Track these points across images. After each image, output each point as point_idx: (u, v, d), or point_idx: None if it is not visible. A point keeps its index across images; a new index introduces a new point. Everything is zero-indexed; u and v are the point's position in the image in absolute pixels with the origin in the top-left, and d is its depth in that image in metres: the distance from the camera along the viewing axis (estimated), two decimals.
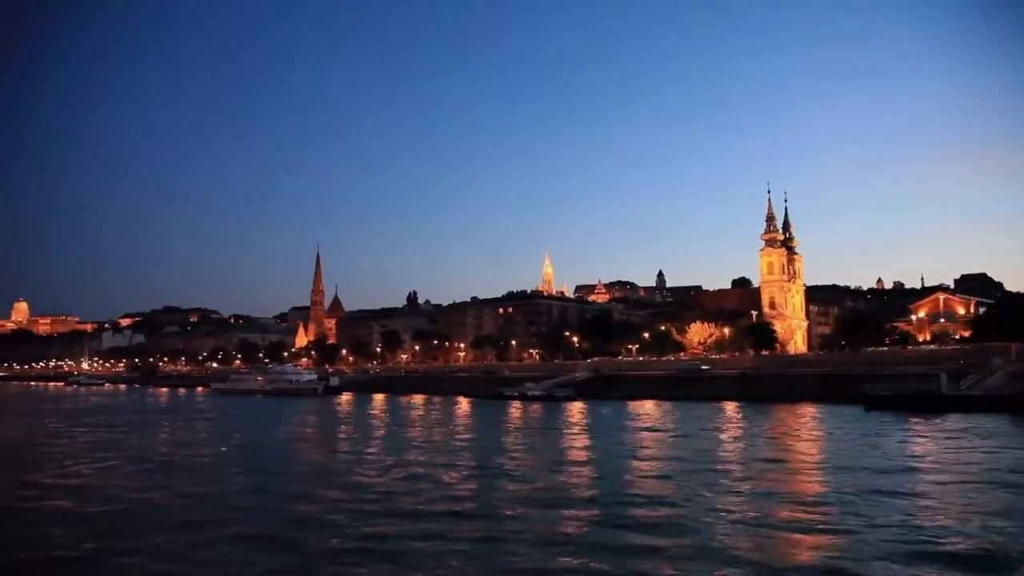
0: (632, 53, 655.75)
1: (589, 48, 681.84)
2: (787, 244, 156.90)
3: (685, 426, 50.67)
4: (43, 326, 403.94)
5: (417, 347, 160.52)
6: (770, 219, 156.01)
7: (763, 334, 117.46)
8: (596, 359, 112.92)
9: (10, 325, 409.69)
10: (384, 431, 51.48)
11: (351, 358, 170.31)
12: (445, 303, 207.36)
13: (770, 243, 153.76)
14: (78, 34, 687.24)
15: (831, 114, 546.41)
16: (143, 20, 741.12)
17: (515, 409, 72.94)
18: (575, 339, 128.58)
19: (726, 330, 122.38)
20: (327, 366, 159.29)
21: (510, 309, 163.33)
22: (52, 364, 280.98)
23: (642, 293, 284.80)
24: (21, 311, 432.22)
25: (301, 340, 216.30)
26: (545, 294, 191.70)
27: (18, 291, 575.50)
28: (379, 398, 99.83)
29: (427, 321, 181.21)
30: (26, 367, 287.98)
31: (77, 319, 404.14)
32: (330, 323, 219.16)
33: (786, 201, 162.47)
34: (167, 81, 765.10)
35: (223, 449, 39.38)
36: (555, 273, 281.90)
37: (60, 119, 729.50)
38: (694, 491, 24.29)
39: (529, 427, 54.26)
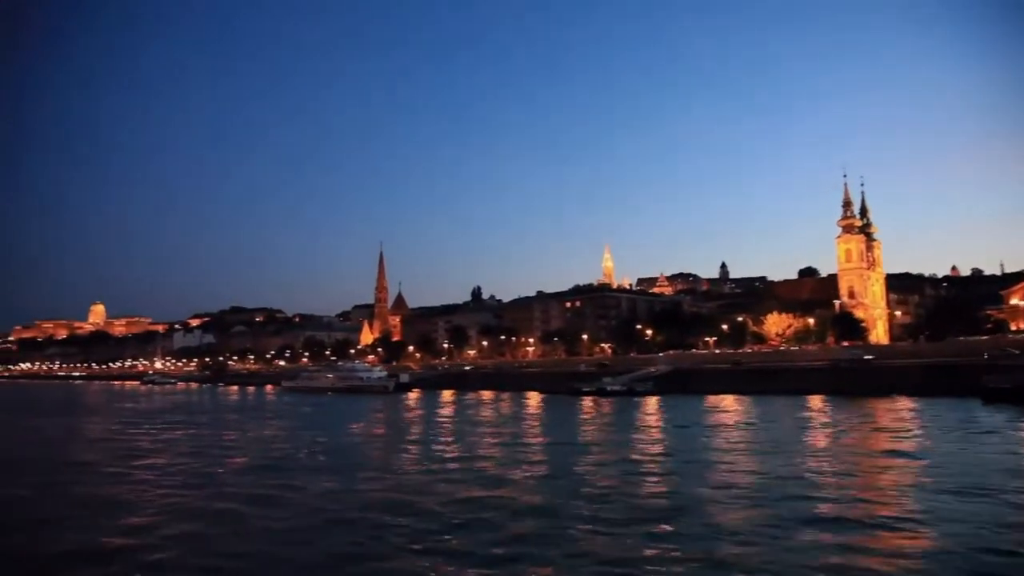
0: (693, 44, 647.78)
1: (650, 39, 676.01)
2: (865, 230, 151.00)
3: (783, 423, 48.54)
4: (118, 327, 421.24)
5: (485, 343, 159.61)
6: (847, 205, 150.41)
7: (847, 324, 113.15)
8: (671, 352, 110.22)
9: (88, 327, 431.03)
10: (480, 429, 49.09)
11: (418, 355, 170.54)
12: (507, 298, 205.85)
13: (847, 229, 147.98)
14: (137, 39, 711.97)
15: (890, 101, 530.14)
16: (203, 22, 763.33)
17: (590, 404, 71.45)
18: (648, 332, 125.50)
19: (810, 320, 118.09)
20: (393, 363, 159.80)
21: (577, 303, 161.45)
22: (128, 364, 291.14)
23: (705, 286, 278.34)
24: (98, 313, 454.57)
25: (366, 338, 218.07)
26: (613, 287, 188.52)
27: (95, 294, 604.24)
28: (447, 395, 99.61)
29: (492, 316, 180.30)
30: (104, 367, 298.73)
31: (149, 320, 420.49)
32: (394, 320, 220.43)
33: (863, 186, 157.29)
34: (235, 86, 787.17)
35: (308, 451, 37.55)
36: (615, 267, 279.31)
37: (133, 130, 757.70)
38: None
39: (628, 423, 52.21)
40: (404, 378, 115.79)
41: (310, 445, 39.70)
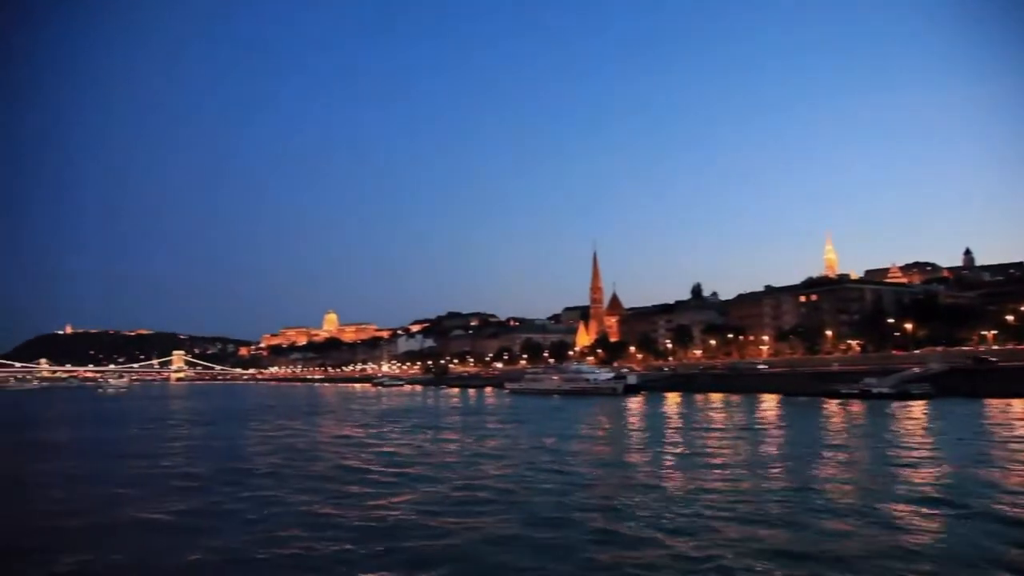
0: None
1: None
2: None
3: None
4: (348, 334, 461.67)
5: (713, 341, 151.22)
6: None
7: None
8: (938, 348, 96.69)
9: (324, 333, 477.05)
10: (768, 440, 42.15)
11: (639, 355, 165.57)
12: (727, 294, 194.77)
13: None
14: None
15: None
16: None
17: (855, 409, 63.76)
18: (908, 326, 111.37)
19: None
20: (614, 364, 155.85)
21: (813, 296, 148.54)
22: (358, 367, 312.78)
23: (945, 274, 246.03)
24: (332, 321, 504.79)
25: (582, 339, 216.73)
26: (852, 278, 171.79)
27: (329, 304, 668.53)
28: (672, 397, 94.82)
29: (716, 314, 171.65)
30: (338, 370, 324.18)
31: (375, 327, 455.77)
32: (610, 321, 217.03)
33: None
34: (453, 90, 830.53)
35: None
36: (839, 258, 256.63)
37: (363, 151, 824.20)
38: None
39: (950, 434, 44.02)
40: (631, 380, 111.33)
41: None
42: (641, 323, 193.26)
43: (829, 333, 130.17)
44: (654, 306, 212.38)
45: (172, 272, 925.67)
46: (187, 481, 28.16)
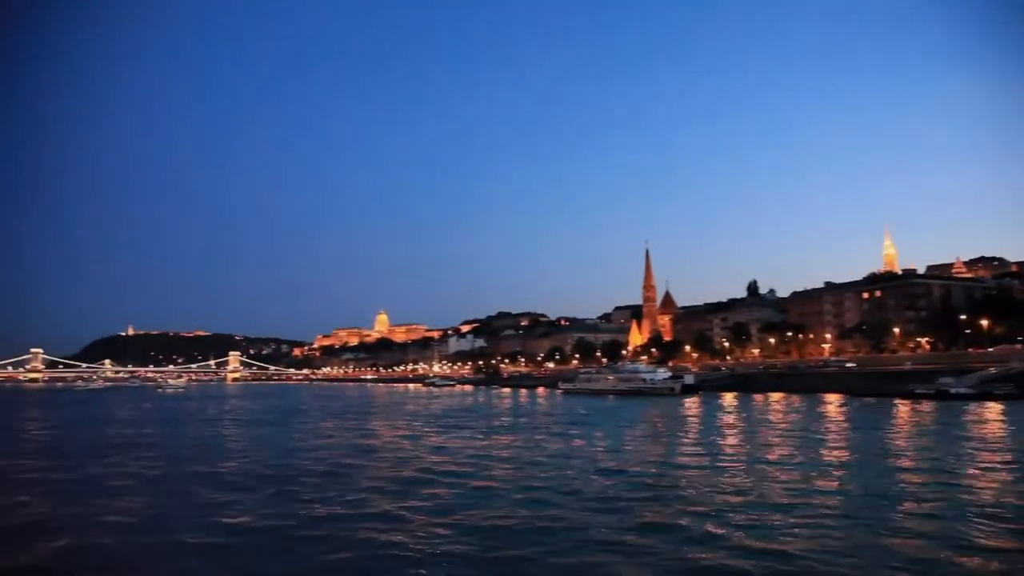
0: None
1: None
2: None
3: None
4: (399, 334, 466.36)
5: (772, 340, 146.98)
6: None
7: None
8: (1019, 346, 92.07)
9: (375, 334, 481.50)
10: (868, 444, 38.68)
11: (694, 355, 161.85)
12: (783, 291, 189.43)
13: None
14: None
15: None
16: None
17: (926, 409, 61.16)
18: (983, 323, 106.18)
19: None
20: (669, 363, 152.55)
21: (877, 293, 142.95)
22: (409, 367, 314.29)
23: (1014, 268, 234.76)
24: (383, 322, 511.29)
25: (635, 338, 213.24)
26: (919, 273, 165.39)
27: (380, 304, 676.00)
28: (731, 397, 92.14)
29: (773, 311, 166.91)
30: (389, 370, 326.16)
31: (425, 327, 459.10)
32: (663, 320, 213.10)
33: None
34: (508, 95, 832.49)
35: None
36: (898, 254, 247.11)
37: (417, 159, 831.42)
38: None
39: None
40: (689, 379, 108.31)
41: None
42: (696, 322, 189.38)
43: (896, 331, 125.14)
44: (708, 304, 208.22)
45: (228, 275, 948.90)
46: (267, 483, 27.32)
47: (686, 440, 41.68)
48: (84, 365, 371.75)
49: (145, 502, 23.28)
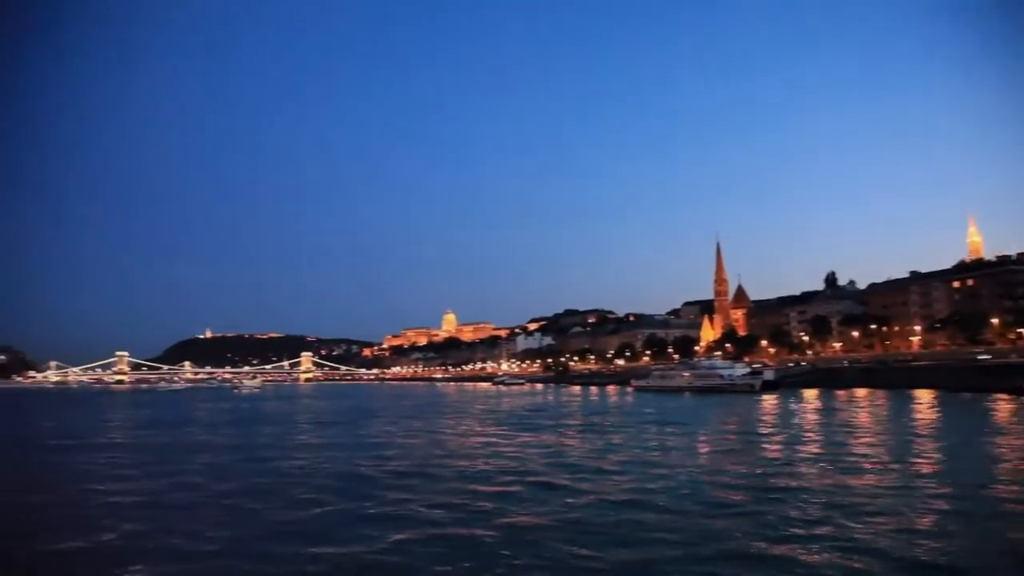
0: None
1: None
2: None
3: None
4: (467, 333, 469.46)
5: (855, 333, 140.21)
6: None
7: None
8: None
9: (442, 333, 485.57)
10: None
11: (771, 350, 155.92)
12: (863, 282, 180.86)
13: None
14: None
15: None
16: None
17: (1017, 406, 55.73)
18: None
19: None
20: (744, 359, 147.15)
21: (969, 282, 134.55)
22: (478, 366, 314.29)
23: None
24: (450, 321, 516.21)
25: (707, 334, 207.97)
26: (1013, 259, 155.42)
27: (447, 304, 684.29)
28: (812, 394, 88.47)
29: (853, 303, 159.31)
30: (458, 369, 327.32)
31: (493, 326, 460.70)
32: (736, 314, 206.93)
33: None
34: (569, 90, 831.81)
35: None
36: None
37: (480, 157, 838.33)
38: None
39: None
40: (768, 376, 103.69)
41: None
42: (771, 315, 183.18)
43: (995, 321, 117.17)
44: (782, 297, 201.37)
45: (300, 277, 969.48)
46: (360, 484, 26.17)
47: (790, 439, 38.62)
48: (165, 367, 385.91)
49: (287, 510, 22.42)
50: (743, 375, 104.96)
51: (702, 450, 35.91)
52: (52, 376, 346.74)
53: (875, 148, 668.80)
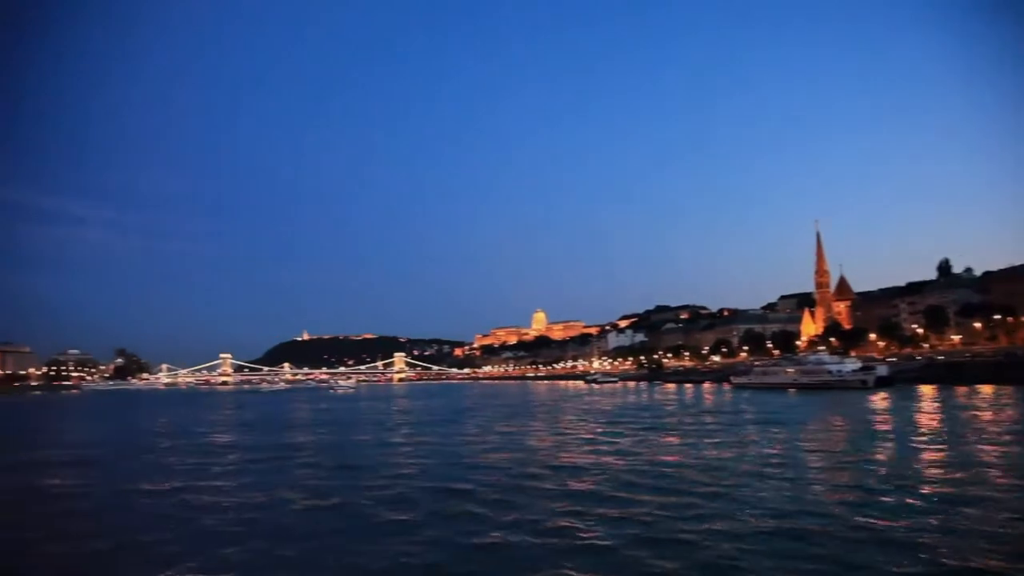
0: None
1: None
2: None
3: None
4: (557, 331, 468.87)
5: (977, 324, 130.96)
6: None
7: None
8: None
9: (532, 332, 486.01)
10: None
11: (880, 343, 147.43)
12: (979, 269, 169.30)
13: None
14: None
15: None
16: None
17: None
18: None
19: None
20: (851, 354, 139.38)
21: None
22: (569, 364, 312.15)
23: None
24: (540, 320, 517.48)
25: (808, 328, 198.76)
26: None
27: (536, 303, 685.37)
28: (928, 390, 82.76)
29: (971, 292, 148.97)
30: (549, 368, 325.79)
31: (583, 324, 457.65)
32: (839, 307, 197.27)
33: None
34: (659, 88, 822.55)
35: None
36: None
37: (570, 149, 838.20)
38: None
39: None
40: (882, 371, 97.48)
41: None
42: (878, 307, 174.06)
43: None
44: (888, 288, 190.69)
45: (392, 279, 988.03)
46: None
47: (936, 441, 34.90)
48: (266, 368, 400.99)
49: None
50: (854, 371, 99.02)
51: (839, 454, 32.66)
52: (163, 378, 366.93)
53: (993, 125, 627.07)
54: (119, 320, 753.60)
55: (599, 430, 47.90)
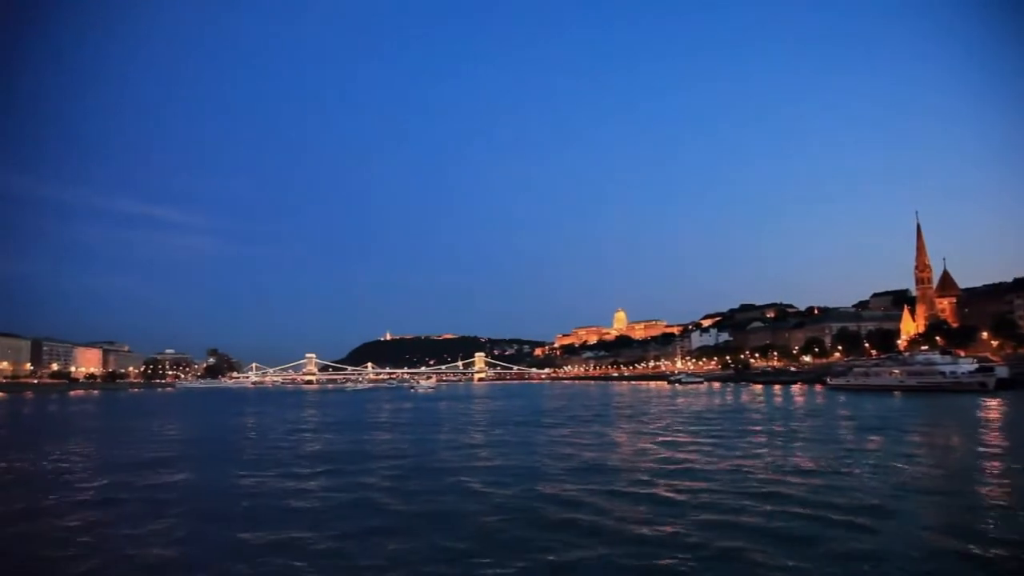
0: None
1: None
2: None
3: None
4: (638, 331, 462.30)
5: None
6: None
7: None
8: None
9: (613, 332, 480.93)
10: None
11: (993, 342, 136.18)
12: None
13: None
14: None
15: None
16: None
17: None
18: None
19: None
20: (961, 353, 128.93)
21: None
22: (651, 365, 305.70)
23: None
24: (620, 319, 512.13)
25: (907, 326, 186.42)
26: None
27: (617, 302, 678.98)
28: None
29: None
30: (630, 368, 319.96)
31: (665, 323, 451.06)
32: (942, 303, 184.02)
33: None
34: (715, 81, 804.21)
35: None
36: None
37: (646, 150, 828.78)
38: None
39: None
40: (1001, 372, 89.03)
41: None
42: (989, 303, 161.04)
43: None
44: (999, 284, 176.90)
45: (472, 280, 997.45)
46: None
47: None
48: (350, 368, 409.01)
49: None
50: (971, 372, 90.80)
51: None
52: (252, 377, 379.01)
53: None
54: (211, 321, 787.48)
55: (712, 437, 42.83)
